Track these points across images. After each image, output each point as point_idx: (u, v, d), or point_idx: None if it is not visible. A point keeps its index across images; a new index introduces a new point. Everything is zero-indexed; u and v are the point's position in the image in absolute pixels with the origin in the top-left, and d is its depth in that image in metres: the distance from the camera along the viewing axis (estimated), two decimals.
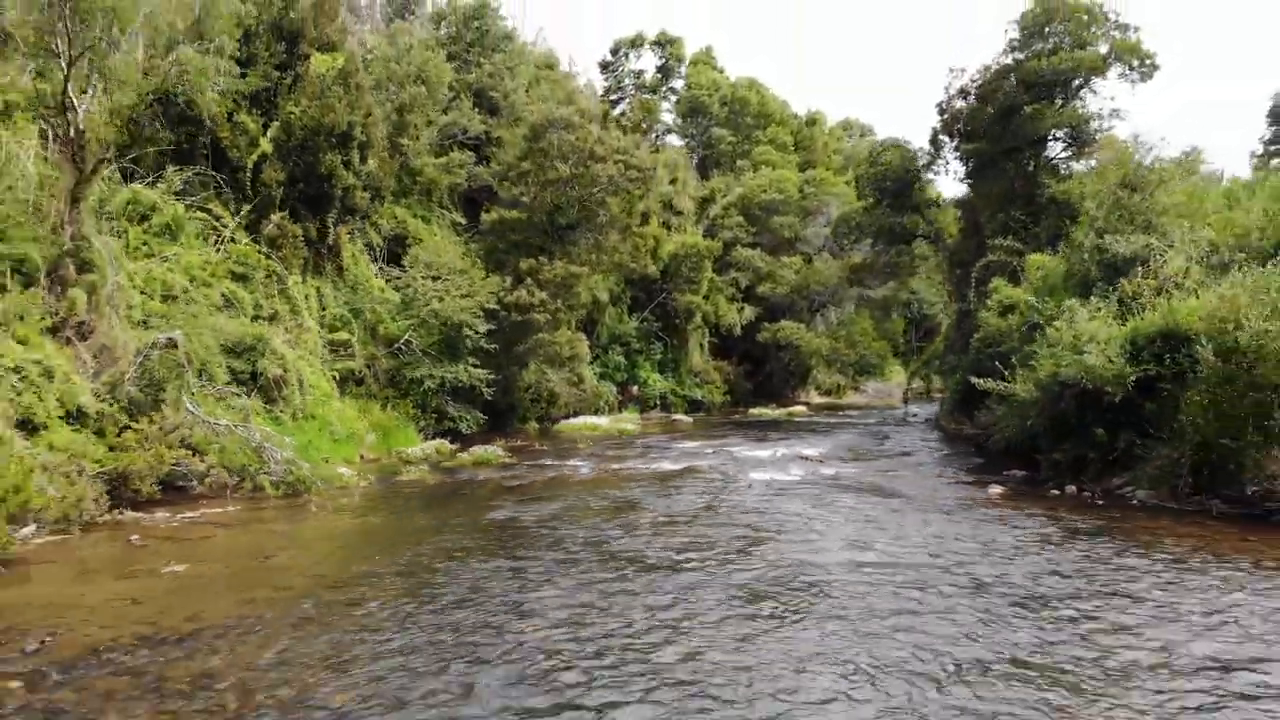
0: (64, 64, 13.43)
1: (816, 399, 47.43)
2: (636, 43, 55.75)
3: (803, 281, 41.33)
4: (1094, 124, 26.06)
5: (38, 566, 8.92)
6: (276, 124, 19.75)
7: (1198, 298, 13.44)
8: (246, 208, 19.18)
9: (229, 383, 15.36)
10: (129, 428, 12.96)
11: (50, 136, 15.72)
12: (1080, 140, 25.94)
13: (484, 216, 26.84)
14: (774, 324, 40.50)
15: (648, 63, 55.96)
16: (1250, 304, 11.79)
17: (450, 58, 30.51)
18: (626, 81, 55.36)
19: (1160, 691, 5.51)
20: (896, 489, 14.18)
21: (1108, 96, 26.23)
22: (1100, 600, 7.52)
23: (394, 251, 25.13)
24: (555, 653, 6.27)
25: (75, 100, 13.74)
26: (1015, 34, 26.48)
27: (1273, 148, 45.32)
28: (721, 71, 56.05)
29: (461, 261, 24.23)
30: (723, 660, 6.15)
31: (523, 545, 10.04)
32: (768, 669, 5.97)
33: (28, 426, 11.68)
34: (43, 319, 13.09)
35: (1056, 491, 13.46)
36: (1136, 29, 26.28)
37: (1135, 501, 12.48)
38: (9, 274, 13.28)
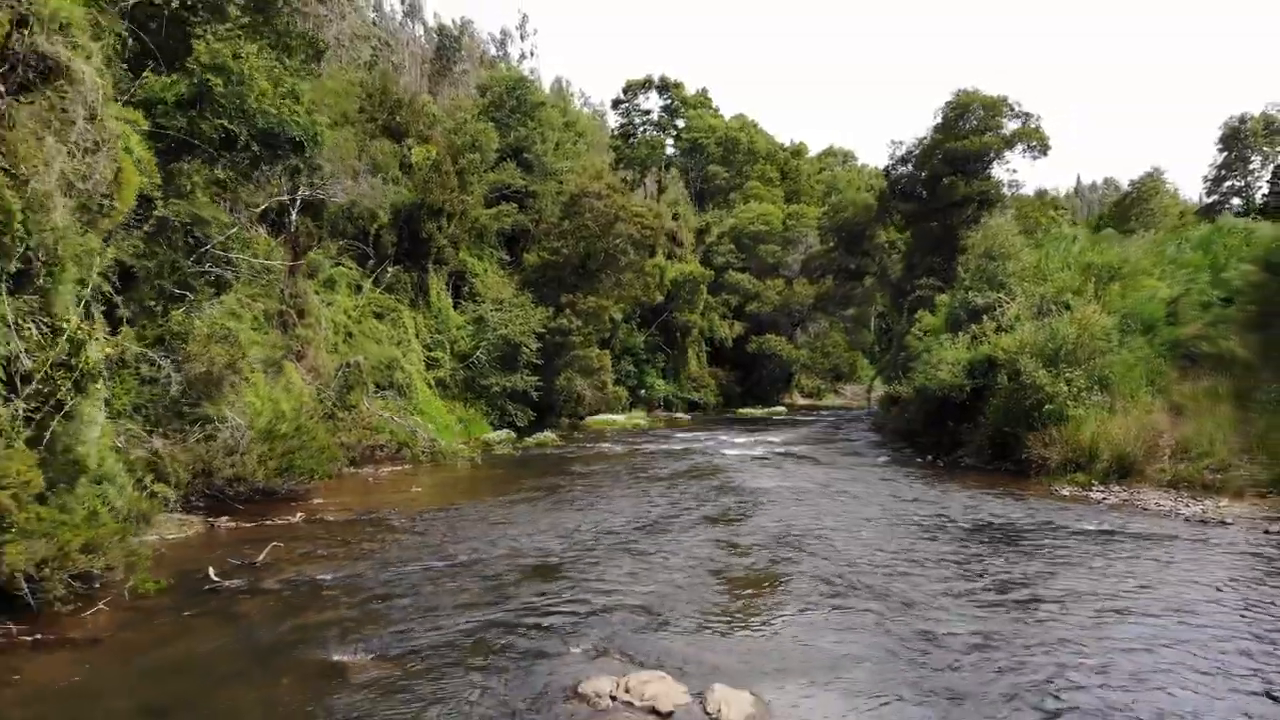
0: (286, 191, 21.11)
1: (800, 401, 55.10)
2: (645, 85, 63.69)
3: (784, 301, 48.87)
4: (1001, 189, 33.95)
5: (337, 491, 16.53)
6: (390, 202, 27.45)
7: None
8: (371, 263, 26.92)
9: (381, 388, 23.10)
10: (333, 416, 20.67)
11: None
12: (988, 202, 33.72)
13: (526, 257, 34.57)
14: (760, 337, 48.15)
15: (654, 103, 63.86)
16: (1028, 343, 19.52)
17: (493, 120, 38.27)
18: (637, 120, 63.21)
19: (891, 523, 13.17)
20: (819, 457, 21.94)
21: (1012, 169, 33.78)
22: (886, 498, 15.24)
23: (456, 285, 32.83)
24: (635, 502, 13.97)
25: (292, 209, 21.46)
26: (939, 119, 34.30)
27: (1223, 172, 52.01)
28: (716, 111, 63.84)
29: (513, 294, 31.98)
30: (707, 502, 14.01)
31: (596, 478, 17.77)
32: (727, 506, 13.77)
33: None
34: (282, 349, 20.82)
35: (920, 459, 21.18)
36: (1038, 117, 34.19)
37: (964, 465, 20.16)
38: (257, 321, 21.02)
